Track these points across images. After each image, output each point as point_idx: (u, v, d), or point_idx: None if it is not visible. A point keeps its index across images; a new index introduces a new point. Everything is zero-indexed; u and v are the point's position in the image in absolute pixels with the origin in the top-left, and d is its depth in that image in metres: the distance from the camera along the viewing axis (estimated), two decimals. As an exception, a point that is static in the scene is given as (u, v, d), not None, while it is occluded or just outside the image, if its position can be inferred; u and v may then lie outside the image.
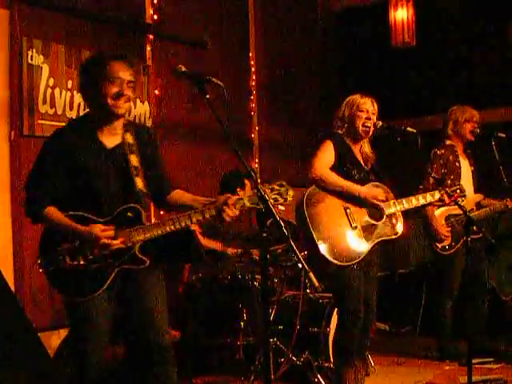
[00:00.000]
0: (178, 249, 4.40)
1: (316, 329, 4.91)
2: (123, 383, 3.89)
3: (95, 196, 3.33)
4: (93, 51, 5.42)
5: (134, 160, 3.41)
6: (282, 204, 3.34)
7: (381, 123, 4.26)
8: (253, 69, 7.36)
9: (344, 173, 4.15)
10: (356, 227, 4.09)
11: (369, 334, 4.24)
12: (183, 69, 3.16)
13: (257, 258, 5.37)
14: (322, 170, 4.09)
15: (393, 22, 6.87)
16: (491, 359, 5.34)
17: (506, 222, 6.15)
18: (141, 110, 5.90)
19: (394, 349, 5.84)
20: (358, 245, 4.08)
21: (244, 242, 5.56)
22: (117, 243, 3.25)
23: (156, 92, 6.09)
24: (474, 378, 4.17)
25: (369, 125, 4.23)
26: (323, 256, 3.96)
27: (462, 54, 7.64)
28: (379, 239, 4.14)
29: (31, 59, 4.99)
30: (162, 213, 5.14)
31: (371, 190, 4.17)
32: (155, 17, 6.10)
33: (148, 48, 6.08)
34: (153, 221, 4.44)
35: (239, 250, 5.29)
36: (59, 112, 5.15)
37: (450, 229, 5.42)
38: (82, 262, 3.24)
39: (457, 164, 5.50)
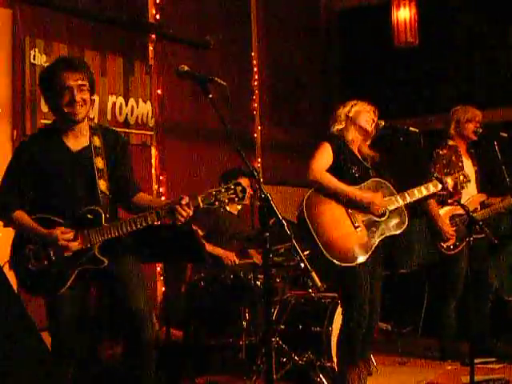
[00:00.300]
0: (179, 247, 4.40)
1: (318, 328, 4.91)
2: (123, 383, 3.89)
3: (60, 199, 3.49)
4: (95, 51, 5.45)
5: (99, 162, 3.55)
6: (238, 203, 3.42)
7: (383, 123, 4.26)
8: (255, 68, 7.36)
9: (343, 171, 4.14)
10: (359, 227, 4.08)
11: (372, 334, 4.23)
12: (186, 68, 3.17)
13: (256, 262, 5.38)
14: (320, 172, 4.08)
15: (395, 21, 6.88)
16: (493, 359, 5.33)
17: (509, 222, 6.14)
18: (143, 109, 5.90)
19: (396, 349, 5.83)
20: (362, 244, 4.07)
21: (245, 242, 5.57)
22: (75, 245, 3.41)
23: (158, 92, 6.09)
24: (476, 378, 4.17)
25: (374, 119, 4.22)
26: (328, 259, 3.96)
27: (464, 53, 7.63)
28: (383, 236, 4.13)
29: (34, 59, 5.00)
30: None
31: (368, 194, 4.14)
32: (158, 17, 6.11)
33: (150, 48, 6.09)
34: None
35: (241, 262, 5.34)
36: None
37: (454, 228, 5.41)
38: (45, 263, 3.41)
39: (460, 164, 5.48)
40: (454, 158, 5.49)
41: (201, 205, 3.38)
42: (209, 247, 5.23)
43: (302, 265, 2.81)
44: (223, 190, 3.37)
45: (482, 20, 7.46)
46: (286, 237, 2.82)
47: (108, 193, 3.53)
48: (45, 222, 3.44)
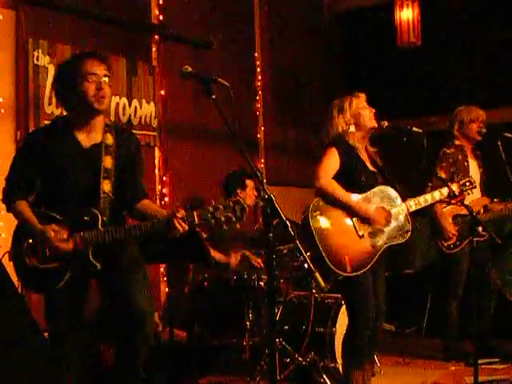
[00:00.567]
0: (182, 247, 4.41)
1: (322, 329, 4.91)
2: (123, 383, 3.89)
3: (61, 194, 3.41)
4: (99, 51, 5.44)
5: (107, 162, 3.44)
6: (235, 222, 3.33)
7: (387, 123, 4.24)
8: (258, 69, 7.36)
9: (350, 179, 4.11)
10: (363, 236, 4.05)
11: (378, 335, 4.21)
12: (189, 69, 3.17)
13: (257, 264, 5.38)
14: (325, 181, 4.03)
15: (398, 22, 6.88)
16: (497, 359, 5.33)
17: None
18: (146, 110, 5.91)
19: (399, 349, 5.82)
20: (365, 253, 4.04)
21: (249, 242, 5.57)
22: (66, 247, 3.33)
23: (162, 92, 6.10)
24: (480, 379, 4.16)
25: (372, 110, 4.20)
26: (331, 269, 3.94)
27: (467, 54, 7.62)
28: (388, 245, 4.09)
29: (37, 60, 5.01)
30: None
31: (371, 209, 4.10)
32: (161, 17, 6.12)
33: (153, 48, 6.10)
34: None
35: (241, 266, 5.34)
36: (65, 112, 5.13)
37: (457, 228, 5.40)
38: (41, 259, 3.35)
39: (465, 164, 5.48)
40: (460, 157, 5.48)
41: (196, 220, 3.31)
42: (213, 253, 5.22)
43: (306, 265, 2.80)
44: (221, 208, 3.28)
45: (484, 20, 7.45)
46: (289, 237, 2.81)
47: (111, 194, 3.43)
48: (42, 217, 3.38)
